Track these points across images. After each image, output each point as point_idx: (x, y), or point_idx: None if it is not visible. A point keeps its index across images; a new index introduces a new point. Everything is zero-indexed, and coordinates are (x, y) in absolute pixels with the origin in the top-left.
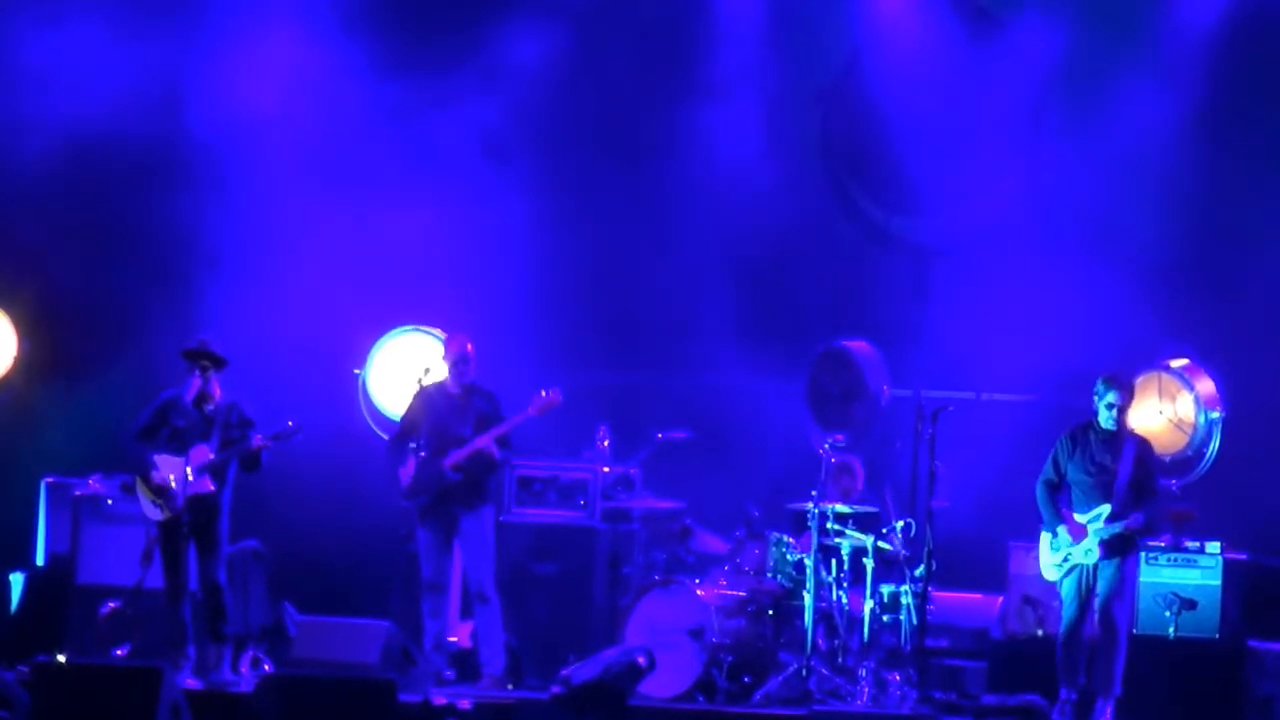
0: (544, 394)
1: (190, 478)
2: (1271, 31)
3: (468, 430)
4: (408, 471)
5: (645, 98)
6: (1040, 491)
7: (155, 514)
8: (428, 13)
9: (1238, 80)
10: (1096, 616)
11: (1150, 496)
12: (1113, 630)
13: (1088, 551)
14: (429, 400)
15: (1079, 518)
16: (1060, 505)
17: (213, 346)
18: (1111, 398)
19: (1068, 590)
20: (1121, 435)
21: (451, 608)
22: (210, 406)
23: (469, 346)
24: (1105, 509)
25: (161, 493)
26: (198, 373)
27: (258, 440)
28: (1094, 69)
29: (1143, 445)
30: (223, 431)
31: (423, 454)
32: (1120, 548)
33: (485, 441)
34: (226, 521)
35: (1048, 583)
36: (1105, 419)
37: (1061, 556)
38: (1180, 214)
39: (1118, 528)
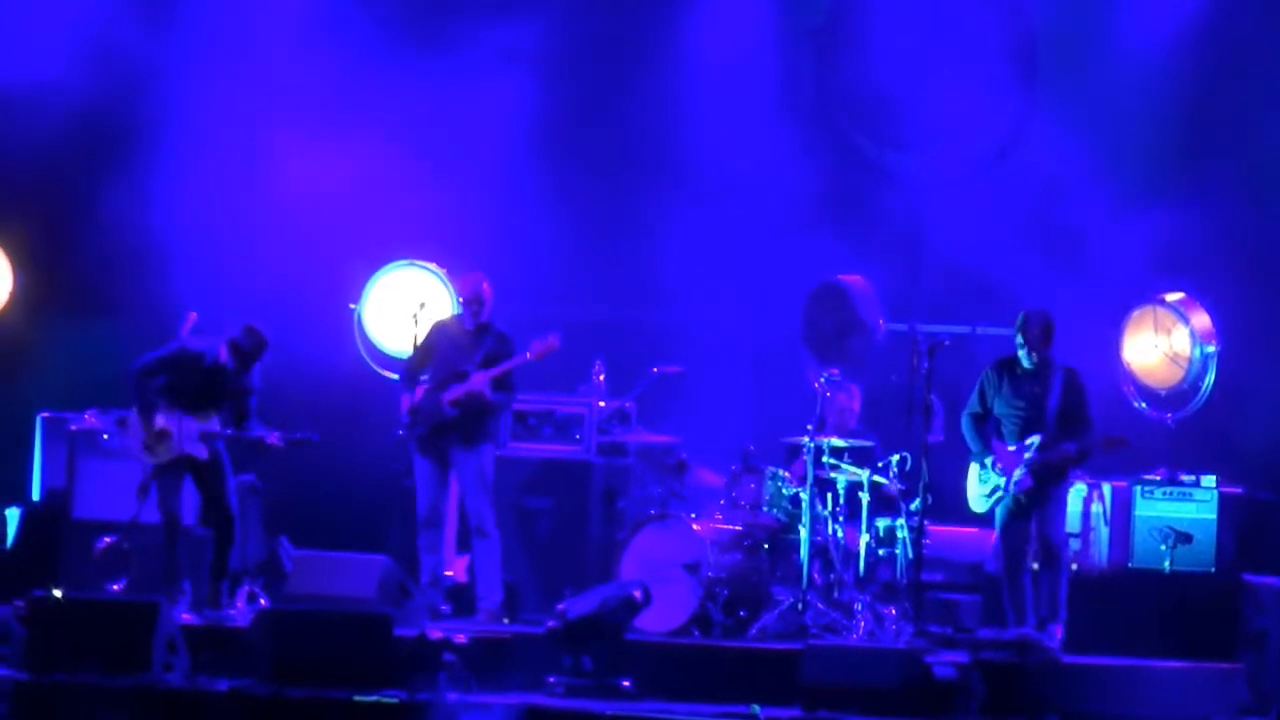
0: (543, 339)
1: (190, 439)
2: None
3: (472, 367)
4: (411, 398)
5: (639, 36)
6: (965, 423)
7: (147, 457)
8: None
9: (1233, 9)
10: (1036, 546)
11: (1082, 425)
12: (1052, 557)
13: (1016, 482)
14: (442, 333)
15: (1006, 447)
16: (990, 437)
17: (266, 343)
18: (1019, 338)
19: (1000, 524)
20: (1048, 367)
21: (447, 543)
22: (232, 383)
23: (485, 286)
24: (1036, 440)
25: (161, 439)
26: (233, 356)
27: (271, 438)
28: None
29: (1070, 375)
30: (235, 404)
31: (426, 385)
32: (1051, 477)
33: (480, 383)
34: (226, 454)
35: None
36: (1021, 357)
37: (990, 488)
38: (1178, 146)
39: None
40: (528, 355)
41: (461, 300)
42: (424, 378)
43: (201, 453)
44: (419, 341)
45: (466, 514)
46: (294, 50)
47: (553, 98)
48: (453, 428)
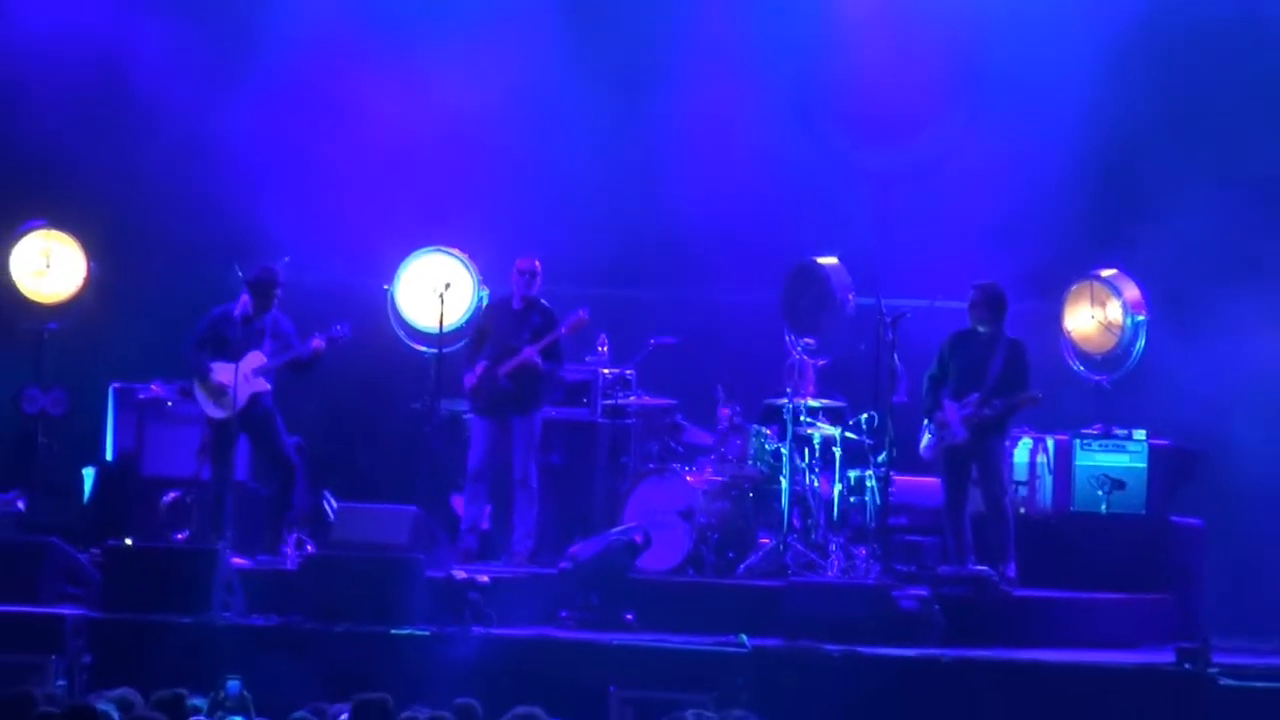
0: (574, 315)
1: (249, 378)
2: None
3: (521, 343)
4: (472, 375)
5: (640, 44)
6: (925, 383)
7: (216, 413)
8: None
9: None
10: (981, 496)
11: (1017, 389)
12: (995, 505)
13: (954, 434)
14: (495, 314)
15: (953, 404)
16: (941, 396)
17: (277, 279)
18: (971, 310)
19: (943, 472)
20: (997, 337)
21: (487, 496)
22: (258, 321)
23: (536, 263)
24: (973, 398)
25: (221, 393)
26: (250, 296)
27: (315, 345)
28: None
29: (1014, 345)
30: (273, 340)
31: (485, 362)
32: (986, 432)
33: (530, 354)
34: (278, 415)
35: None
36: (976, 327)
37: (934, 440)
38: (1108, 144)
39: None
40: (563, 330)
41: (519, 272)
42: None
43: (261, 385)
44: (478, 322)
45: (512, 467)
46: (338, 50)
47: (563, 95)
48: (508, 396)
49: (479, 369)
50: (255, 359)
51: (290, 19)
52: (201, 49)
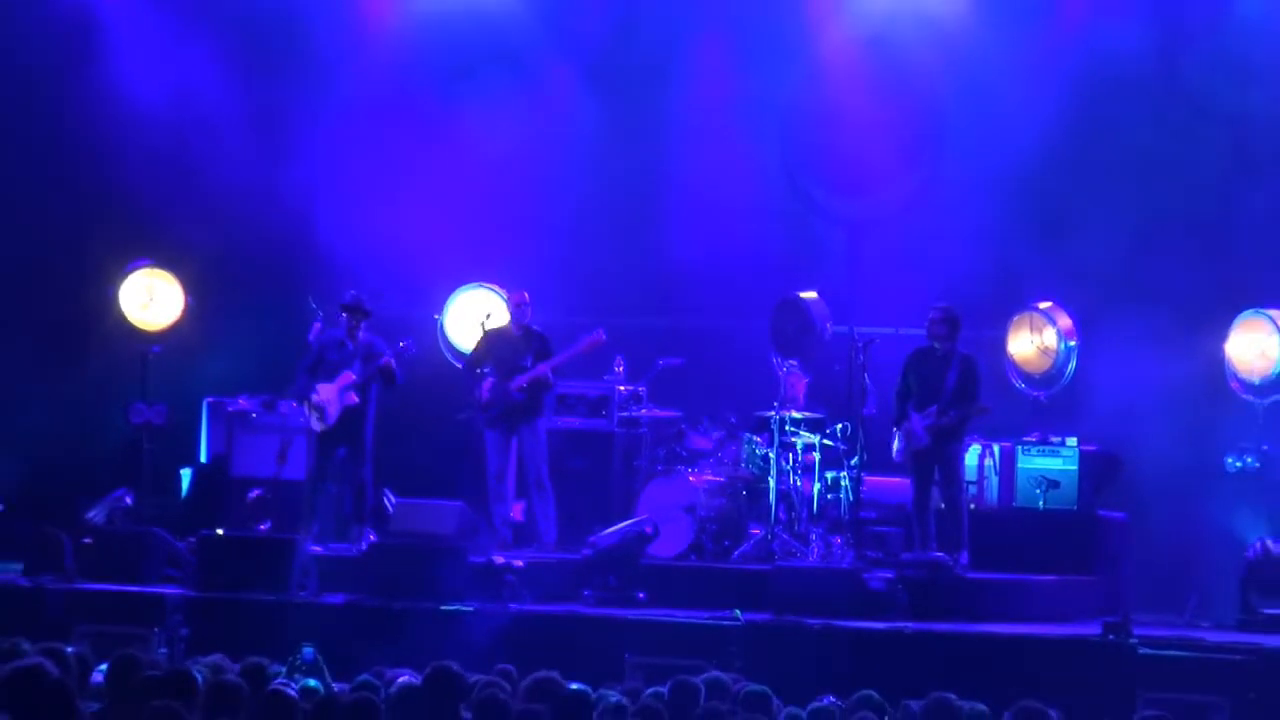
0: (590, 336)
1: (340, 395)
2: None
3: (528, 361)
4: (484, 390)
5: (649, 113)
6: (895, 398)
7: (316, 426)
8: None
9: (1101, 81)
10: (940, 494)
11: (969, 400)
12: (952, 502)
13: (919, 441)
14: (495, 339)
15: (918, 415)
16: (908, 408)
17: (365, 303)
18: (929, 330)
19: (912, 473)
20: (951, 354)
21: (511, 493)
22: (352, 344)
23: (525, 295)
24: (933, 409)
25: (319, 410)
26: (346, 319)
27: (385, 359)
28: (981, 75)
29: (967, 361)
30: (363, 361)
31: (492, 379)
32: (949, 438)
33: (544, 369)
34: (371, 429)
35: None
36: (933, 345)
37: (904, 445)
38: (1041, 190)
39: (921, 422)
40: (582, 347)
41: (513, 303)
42: (485, 371)
43: (353, 399)
44: (478, 345)
45: (527, 471)
46: (392, 112)
47: (579, 156)
48: (518, 408)
49: (488, 384)
50: (346, 378)
51: (349, 86)
52: (273, 111)
